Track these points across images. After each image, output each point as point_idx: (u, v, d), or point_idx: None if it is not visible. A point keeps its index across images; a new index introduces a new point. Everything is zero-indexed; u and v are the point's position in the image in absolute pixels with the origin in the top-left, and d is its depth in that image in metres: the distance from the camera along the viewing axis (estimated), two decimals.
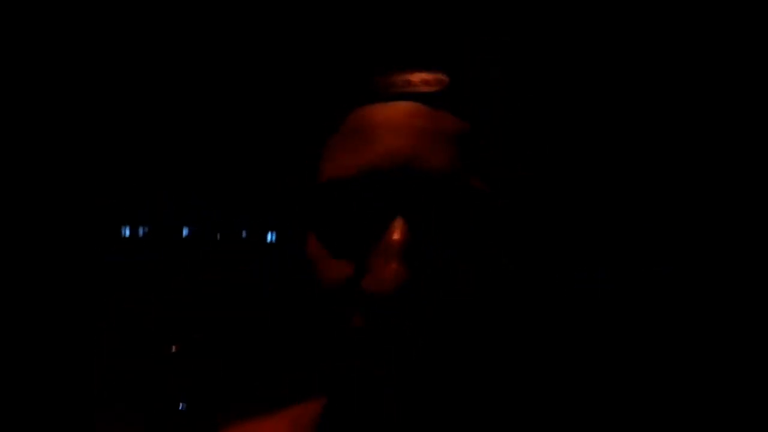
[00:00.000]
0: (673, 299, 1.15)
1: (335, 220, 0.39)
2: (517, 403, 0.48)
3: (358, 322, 0.37)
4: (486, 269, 0.39)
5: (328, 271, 0.40)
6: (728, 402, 1.01)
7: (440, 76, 0.39)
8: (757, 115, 1.10)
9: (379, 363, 0.36)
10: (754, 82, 1.09)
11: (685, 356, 1.11)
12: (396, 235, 0.36)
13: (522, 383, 0.48)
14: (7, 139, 1.63)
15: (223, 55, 1.66)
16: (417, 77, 0.40)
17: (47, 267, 1.78)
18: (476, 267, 0.39)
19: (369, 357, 0.37)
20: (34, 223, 1.73)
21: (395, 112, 0.39)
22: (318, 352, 0.41)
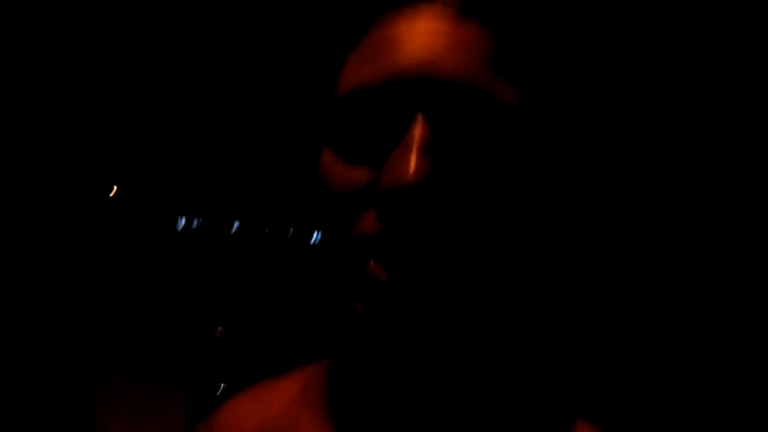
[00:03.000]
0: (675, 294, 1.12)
1: (356, 128, 0.38)
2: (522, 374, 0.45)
3: (372, 227, 0.35)
4: (506, 178, 0.36)
5: (345, 178, 0.38)
6: (728, 402, 0.99)
7: None
8: (757, 115, 1.06)
9: (391, 303, 0.34)
10: (754, 82, 1.04)
11: (685, 355, 1.08)
12: (416, 132, 0.34)
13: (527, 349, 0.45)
14: (10, 139, 1.60)
15: None
16: None
17: (48, 265, 1.74)
18: (498, 174, 0.36)
19: (381, 294, 0.34)
20: (35, 221, 1.69)
21: (419, 21, 0.37)
22: (329, 310, 0.41)
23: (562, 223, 0.41)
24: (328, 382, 0.47)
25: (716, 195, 1.11)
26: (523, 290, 0.39)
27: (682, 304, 1.11)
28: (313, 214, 0.42)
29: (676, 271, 1.12)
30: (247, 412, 0.51)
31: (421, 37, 0.36)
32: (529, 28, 0.38)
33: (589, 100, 0.43)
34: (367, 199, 0.36)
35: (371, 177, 0.37)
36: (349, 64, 0.40)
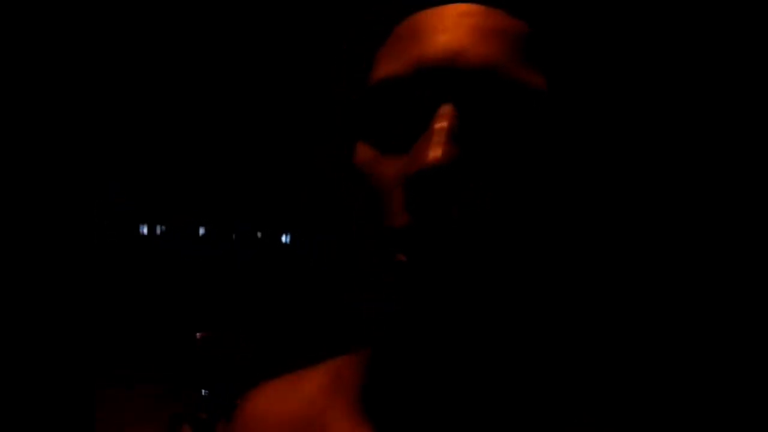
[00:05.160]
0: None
1: (386, 119, 0.39)
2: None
3: (402, 211, 0.36)
4: (534, 165, 0.37)
5: (377, 169, 0.39)
6: (729, 402, 1.00)
7: None
8: (757, 116, 1.05)
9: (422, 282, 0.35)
10: (755, 83, 1.05)
11: (691, 355, 1.07)
12: (442, 118, 0.35)
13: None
14: (12, 140, 1.61)
15: None
16: None
17: (49, 263, 1.76)
18: (525, 160, 0.37)
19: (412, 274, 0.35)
20: (36, 221, 1.70)
21: (446, 13, 0.39)
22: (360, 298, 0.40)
23: (583, 210, 0.42)
24: (356, 372, 0.49)
25: (728, 197, 1.11)
26: (545, 275, 0.40)
27: (694, 304, 1.10)
28: (348, 206, 0.43)
29: (692, 270, 1.11)
30: (277, 400, 0.52)
31: (447, 27, 0.37)
32: (556, 16, 0.39)
33: (616, 88, 0.45)
34: (398, 186, 0.37)
35: (402, 163, 0.37)
36: (378, 58, 0.42)
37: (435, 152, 0.33)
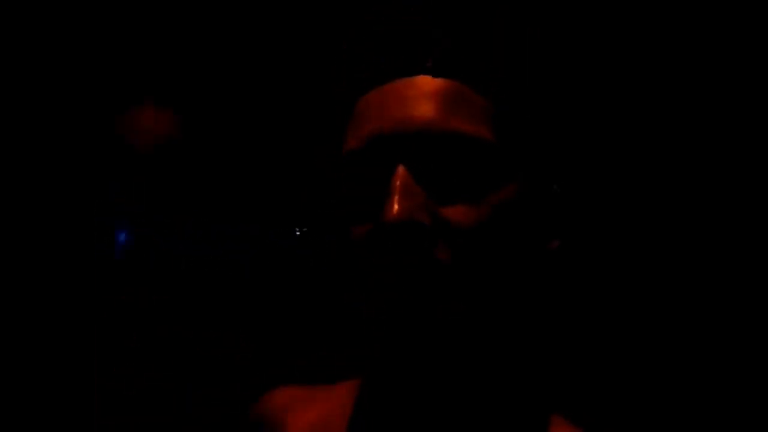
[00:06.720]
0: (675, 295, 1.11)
1: (357, 179, 0.47)
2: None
3: (377, 258, 0.43)
4: (481, 210, 0.43)
5: (354, 228, 0.46)
6: (727, 402, 1.00)
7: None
8: (757, 116, 1.06)
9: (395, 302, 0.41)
10: (755, 83, 1.06)
11: (683, 354, 1.07)
12: (396, 179, 0.42)
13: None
14: (9, 140, 1.59)
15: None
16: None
17: (48, 266, 1.72)
18: (472, 206, 0.43)
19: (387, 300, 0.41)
20: (34, 223, 1.69)
21: (392, 88, 0.46)
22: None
23: (538, 235, 0.48)
24: (350, 403, 0.54)
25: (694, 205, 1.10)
26: (511, 298, 0.46)
27: (670, 307, 1.09)
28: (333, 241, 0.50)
29: (667, 276, 1.10)
30: (298, 404, 0.58)
31: (391, 102, 0.45)
32: (487, 73, 0.46)
33: (548, 130, 0.50)
34: (372, 240, 0.44)
35: (373, 216, 0.44)
36: (346, 133, 0.49)
37: (392, 209, 0.40)
